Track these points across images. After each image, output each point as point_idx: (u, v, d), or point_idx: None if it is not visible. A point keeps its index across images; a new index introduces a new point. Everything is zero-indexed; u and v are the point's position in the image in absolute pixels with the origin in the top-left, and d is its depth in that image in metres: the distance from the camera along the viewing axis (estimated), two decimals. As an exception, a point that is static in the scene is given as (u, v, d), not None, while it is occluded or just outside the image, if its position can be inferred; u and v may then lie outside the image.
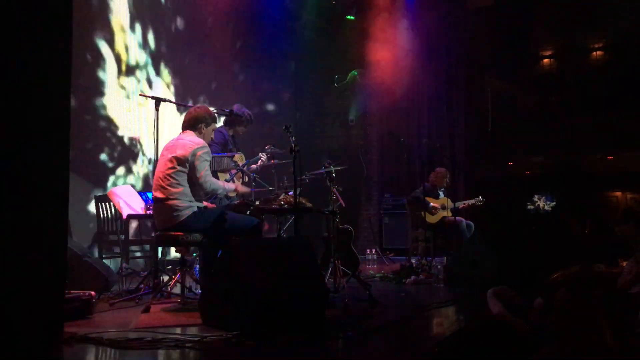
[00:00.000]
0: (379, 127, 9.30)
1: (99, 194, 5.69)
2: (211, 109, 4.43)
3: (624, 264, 4.34)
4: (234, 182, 4.92)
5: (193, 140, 4.03)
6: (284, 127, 4.15)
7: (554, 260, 3.74)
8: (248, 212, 4.25)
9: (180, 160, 3.92)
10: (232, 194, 4.77)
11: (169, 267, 5.60)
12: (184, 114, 4.35)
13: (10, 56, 2.53)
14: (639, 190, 9.81)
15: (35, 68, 2.63)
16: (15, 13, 2.54)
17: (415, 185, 8.15)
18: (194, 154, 3.93)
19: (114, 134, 6.25)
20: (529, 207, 9.88)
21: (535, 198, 9.87)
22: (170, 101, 4.41)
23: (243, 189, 4.49)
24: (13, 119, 2.55)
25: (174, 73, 7.13)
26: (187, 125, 4.16)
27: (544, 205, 10.02)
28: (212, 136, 4.51)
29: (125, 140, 6.38)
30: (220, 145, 5.34)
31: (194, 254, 5.08)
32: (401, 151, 8.81)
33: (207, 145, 4.10)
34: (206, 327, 3.10)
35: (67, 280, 2.85)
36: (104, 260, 5.07)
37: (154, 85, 6.84)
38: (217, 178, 5.25)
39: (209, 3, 7.64)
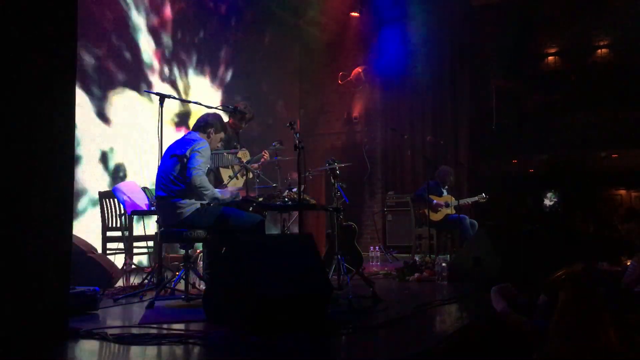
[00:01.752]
0: (383, 124, 9.30)
1: (103, 189, 5.70)
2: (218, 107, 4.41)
3: (628, 262, 4.33)
4: (237, 178, 4.93)
5: (194, 138, 4.06)
6: (287, 124, 4.14)
7: (558, 258, 3.73)
8: (251, 209, 4.25)
9: (181, 158, 3.94)
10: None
11: (174, 263, 5.61)
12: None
13: (20, 54, 2.54)
14: (643, 188, 9.79)
15: (42, 67, 2.64)
16: (21, 14, 2.55)
17: (419, 183, 8.15)
18: (191, 149, 3.95)
19: (120, 129, 6.26)
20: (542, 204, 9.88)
21: (546, 201, 9.89)
22: (174, 97, 4.40)
23: (229, 193, 4.26)
24: (21, 117, 2.56)
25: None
26: (197, 127, 4.21)
27: (549, 203, 10.02)
28: (219, 144, 4.47)
29: (131, 136, 6.39)
30: (222, 141, 5.33)
31: (198, 251, 5.09)
32: (405, 148, 8.80)
33: (207, 144, 4.09)
34: (210, 323, 3.11)
35: (71, 275, 2.85)
36: (108, 256, 5.08)
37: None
38: (220, 174, 5.25)
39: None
